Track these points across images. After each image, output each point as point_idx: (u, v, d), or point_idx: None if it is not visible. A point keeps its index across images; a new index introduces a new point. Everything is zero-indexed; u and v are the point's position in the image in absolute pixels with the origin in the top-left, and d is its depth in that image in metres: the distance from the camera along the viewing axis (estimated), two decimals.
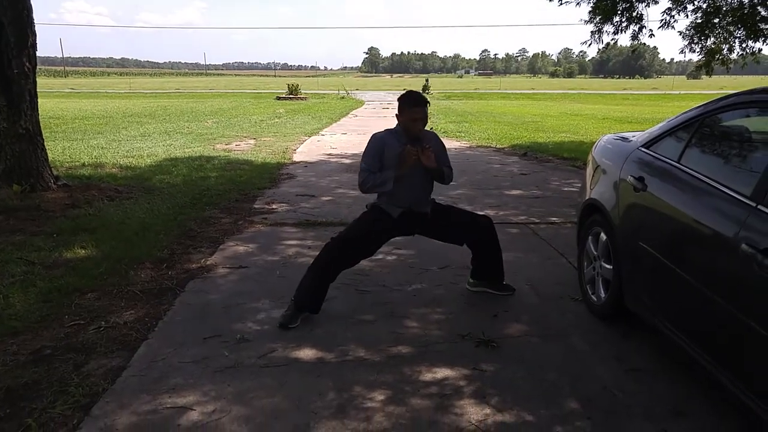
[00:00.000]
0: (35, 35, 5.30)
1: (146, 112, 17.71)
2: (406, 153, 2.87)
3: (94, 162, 7.78)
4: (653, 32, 13.74)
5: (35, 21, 5.32)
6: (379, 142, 2.98)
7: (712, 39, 10.52)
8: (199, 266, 3.72)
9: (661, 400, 2.25)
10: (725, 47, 10.54)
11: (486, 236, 3.19)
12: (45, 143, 5.61)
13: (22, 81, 5.15)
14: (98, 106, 20.80)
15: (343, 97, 30.12)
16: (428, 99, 3.04)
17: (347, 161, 8.53)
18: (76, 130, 12.28)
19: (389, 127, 3.04)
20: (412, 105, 2.92)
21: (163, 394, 2.23)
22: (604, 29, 10.67)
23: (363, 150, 3.01)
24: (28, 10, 5.17)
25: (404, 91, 3.11)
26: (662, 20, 10.34)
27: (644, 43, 11.40)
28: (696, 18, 10.25)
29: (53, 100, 23.44)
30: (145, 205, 5.25)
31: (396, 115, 3.00)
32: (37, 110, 5.44)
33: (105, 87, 44.30)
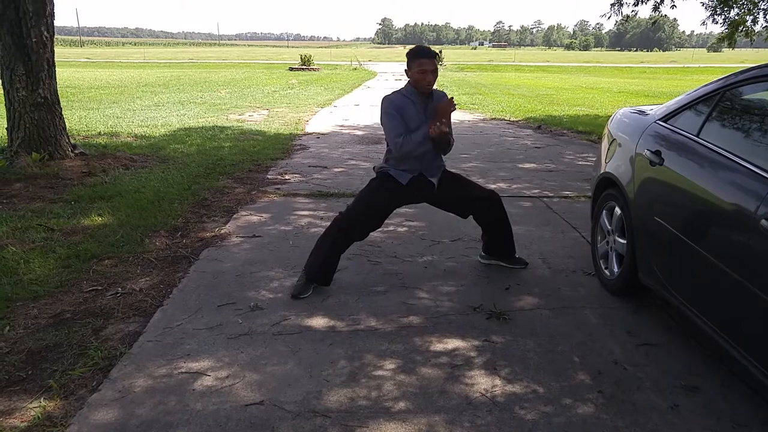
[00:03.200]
0: (53, 4, 5.28)
1: (160, 82, 17.67)
2: (433, 129, 2.73)
3: (110, 131, 7.82)
4: (675, 3, 13.37)
5: None
6: (393, 103, 2.86)
7: (736, 10, 10.22)
8: (213, 235, 3.76)
9: (673, 375, 2.25)
10: (749, 19, 10.23)
11: (495, 214, 3.14)
12: (62, 112, 5.64)
13: (41, 50, 5.16)
14: (113, 75, 20.78)
15: (355, 69, 29.74)
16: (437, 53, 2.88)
17: (359, 133, 8.48)
18: (92, 99, 12.32)
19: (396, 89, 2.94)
20: (421, 56, 2.79)
21: (178, 359, 2.29)
22: (624, 0, 10.39)
23: (379, 118, 2.92)
24: None
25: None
26: None
27: (665, 15, 11.10)
28: None
29: (70, 69, 23.47)
30: (160, 174, 5.29)
31: (405, 70, 2.87)
32: (55, 79, 5.45)
33: (120, 57, 44.20)
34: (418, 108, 2.86)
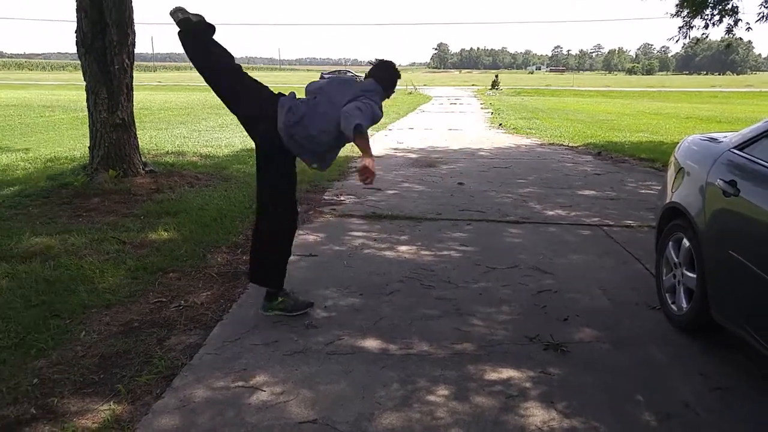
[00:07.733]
0: (134, 34, 5.69)
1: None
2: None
3: (177, 150, 8.26)
4: (750, 25, 12.77)
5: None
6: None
7: None
8: None
9: (752, 423, 2.10)
10: None
11: (265, 227, 2.87)
12: (136, 132, 6.03)
13: (122, 76, 5.57)
14: (181, 98, 22.04)
15: (410, 93, 30.09)
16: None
17: (413, 156, 8.54)
18: (161, 120, 13.09)
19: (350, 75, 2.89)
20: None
21: (235, 373, 2.35)
22: (693, 23, 10.04)
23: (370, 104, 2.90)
24: (130, 11, 5.57)
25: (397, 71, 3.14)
26: (760, 13, 9.58)
27: (739, 38, 10.64)
28: None
29: (143, 92, 25.06)
30: (223, 193, 5.52)
31: (382, 78, 3.04)
32: (132, 102, 5.85)
33: (188, 80, 46.78)
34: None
